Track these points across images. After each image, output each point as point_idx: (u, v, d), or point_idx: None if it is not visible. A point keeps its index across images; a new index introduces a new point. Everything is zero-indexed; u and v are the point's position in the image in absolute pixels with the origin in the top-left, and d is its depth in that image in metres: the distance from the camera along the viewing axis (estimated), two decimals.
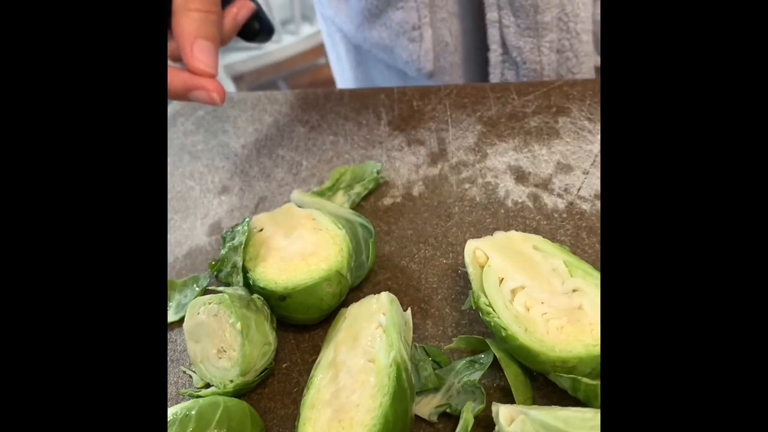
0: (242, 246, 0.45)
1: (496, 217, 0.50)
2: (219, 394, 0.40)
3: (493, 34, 0.66)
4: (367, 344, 0.39)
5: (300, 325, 0.46)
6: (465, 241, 0.48)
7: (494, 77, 0.69)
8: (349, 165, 0.58)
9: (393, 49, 0.71)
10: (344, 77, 0.88)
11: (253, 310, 0.41)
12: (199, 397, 0.40)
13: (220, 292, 0.42)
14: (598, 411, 0.33)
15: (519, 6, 0.62)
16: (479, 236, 0.49)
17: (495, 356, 0.38)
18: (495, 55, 0.67)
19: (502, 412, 0.34)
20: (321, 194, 0.54)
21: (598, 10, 0.65)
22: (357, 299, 0.44)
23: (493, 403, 0.35)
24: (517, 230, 0.48)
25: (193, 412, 0.36)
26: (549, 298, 0.38)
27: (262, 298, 0.43)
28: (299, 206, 0.51)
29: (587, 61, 0.67)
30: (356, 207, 0.54)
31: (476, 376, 0.38)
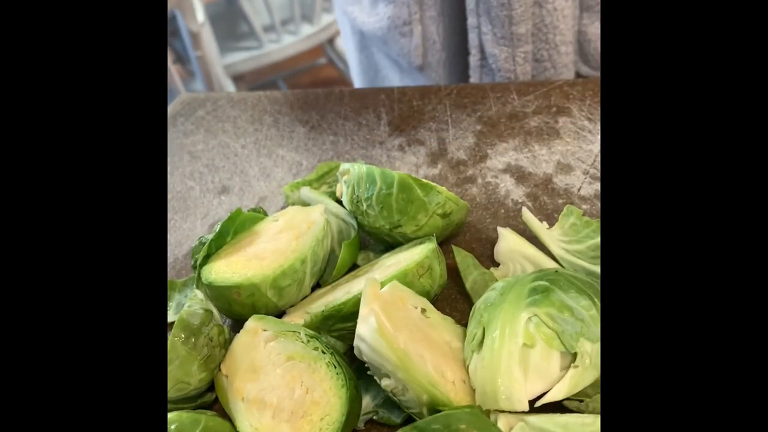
0: (215, 236, 0.45)
1: (496, 216, 0.50)
2: None
3: (473, 39, 0.67)
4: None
5: None
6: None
7: (474, 80, 0.71)
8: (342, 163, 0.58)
9: (387, 41, 0.73)
10: (352, 57, 0.91)
11: (190, 345, 0.39)
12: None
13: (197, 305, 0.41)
14: (598, 416, 0.33)
15: (495, 16, 0.63)
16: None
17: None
18: (474, 59, 0.69)
19: (501, 420, 0.34)
20: (307, 184, 0.54)
21: (580, 23, 0.66)
22: None
23: (491, 411, 0.34)
24: (516, 230, 0.48)
25: (173, 427, 0.35)
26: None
27: (221, 325, 0.41)
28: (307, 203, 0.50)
29: (566, 72, 0.69)
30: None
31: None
